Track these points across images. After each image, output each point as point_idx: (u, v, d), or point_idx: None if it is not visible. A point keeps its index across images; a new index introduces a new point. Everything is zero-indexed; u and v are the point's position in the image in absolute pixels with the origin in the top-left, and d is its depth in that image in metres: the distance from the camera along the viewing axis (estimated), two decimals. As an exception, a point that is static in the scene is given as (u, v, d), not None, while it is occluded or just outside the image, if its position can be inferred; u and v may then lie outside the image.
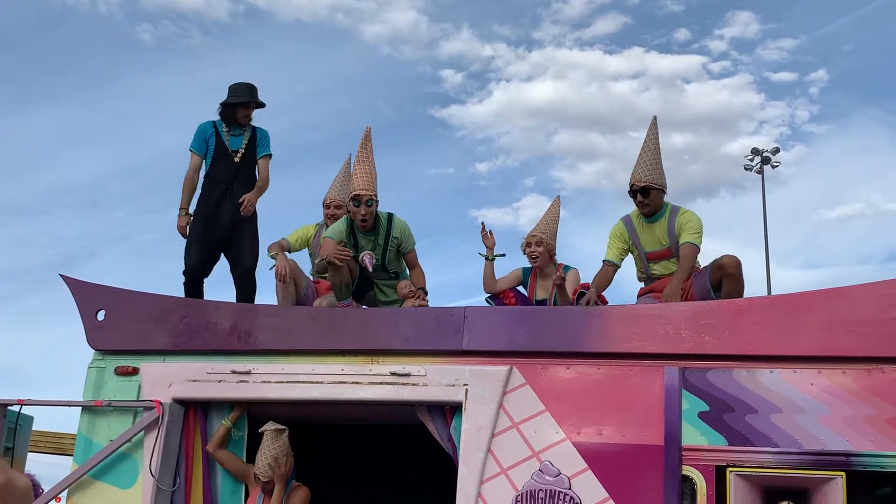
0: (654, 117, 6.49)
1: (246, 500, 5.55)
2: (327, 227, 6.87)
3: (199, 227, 6.81)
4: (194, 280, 6.77)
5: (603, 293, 6.29)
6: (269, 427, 5.50)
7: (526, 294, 6.68)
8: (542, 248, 6.58)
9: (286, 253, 6.81)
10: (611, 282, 6.32)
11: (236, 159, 6.92)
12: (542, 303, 6.46)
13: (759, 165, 35.46)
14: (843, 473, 4.55)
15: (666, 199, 6.36)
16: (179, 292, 6.65)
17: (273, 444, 5.44)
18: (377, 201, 6.40)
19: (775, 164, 35.75)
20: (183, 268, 6.77)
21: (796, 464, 4.67)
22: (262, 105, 7.01)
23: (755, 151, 35.86)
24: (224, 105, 6.91)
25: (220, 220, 6.83)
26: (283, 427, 5.52)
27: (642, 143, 6.46)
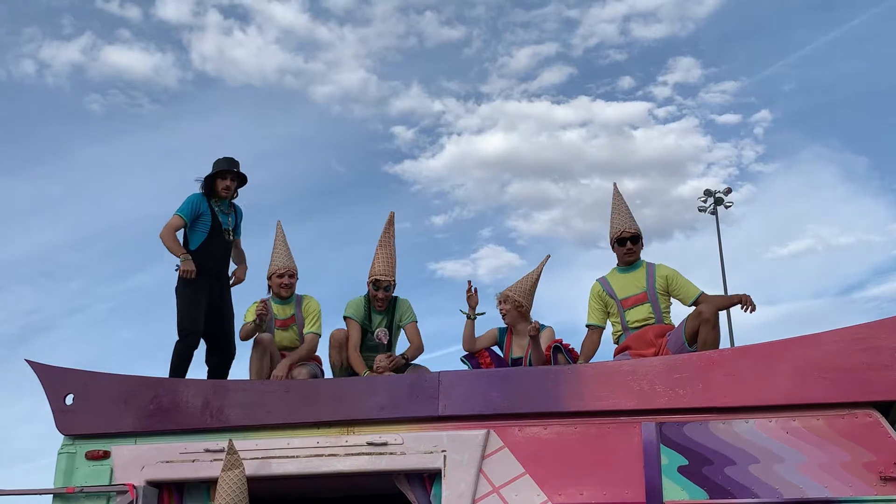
0: (615, 183, 6.76)
1: None
2: (279, 297, 6.82)
3: (201, 295, 6.71)
4: (193, 346, 6.65)
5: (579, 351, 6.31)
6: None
7: (501, 354, 6.69)
8: (508, 306, 6.62)
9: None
10: (598, 345, 6.35)
11: (228, 238, 6.92)
12: (518, 361, 6.47)
13: (712, 206, 35.97)
14: (824, 520, 4.57)
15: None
16: (140, 363, 6.60)
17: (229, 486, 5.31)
18: (395, 285, 6.70)
19: (728, 203, 36.30)
20: (182, 331, 6.61)
21: (778, 514, 4.69)
22: (243, 179, 6.95)
23: (708, 193, 36.37)
24: (206, 178, 6.84)
25: (213, 296, 6.78)
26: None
27: (612, 202, 6.62)
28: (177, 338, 6.60)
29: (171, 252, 6.67)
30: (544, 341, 6.33)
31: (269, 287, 6.90)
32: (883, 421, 4.79)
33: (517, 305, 6.62)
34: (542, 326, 6.47)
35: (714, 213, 35.70)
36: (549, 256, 6.90)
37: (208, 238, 6.77)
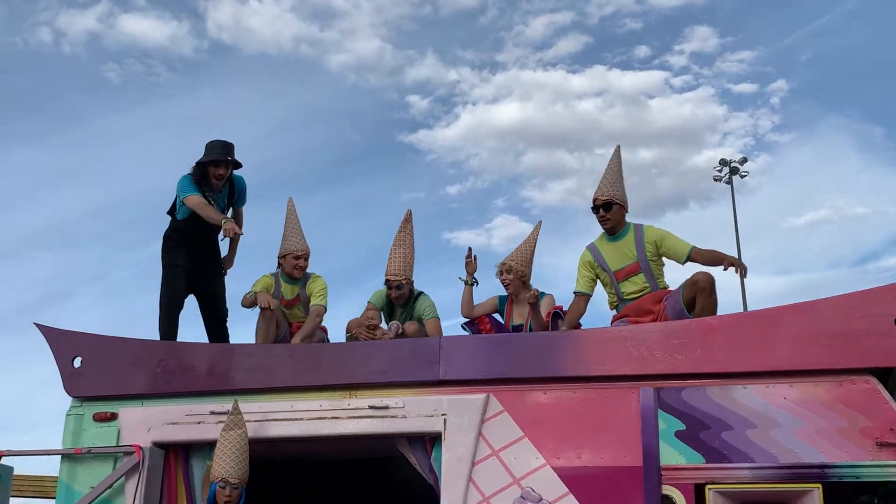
0: (618, 146, 6.55)
1: None
2: (291, 277, 6.82)
3: (179, 261, 6.79)
4: (174, 311, 6.74)
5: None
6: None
7: (502, 321, 6.72)
8: (512, 276, 6.61)
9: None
10: (584, 312, 6.29)
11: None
12: (519, 328, 6.50)
13: (727, 176, 35.81)
14: (819, 486, 4.61)
15: (629, 218, 6.36)
16: (155, 328, 6.65)
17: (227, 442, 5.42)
18: (408, 283, 6.67)
19: (743, 173, 36.12)
20: (161, 301, 6.73)
21: (773, 478, 4.73)
22: (237, 165, 6.90)
23: (723, 162, 36.22)
24: (197, 165, 6.77)
25: (197, 273, 6.87)
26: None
27: (605, 168, 6.49)
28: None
29: (212, 220, 6.65)
30: (544, 308, 6.36)
31: (280, 265, 6.85)
32: (880, 387, 4.80)
33: (520, 275, 6.63)
34: (542, 294, 6.49)
35: (729, 182, 35.55)
36: (541, 223, 6.90)
37: (193, 216, 6.77)
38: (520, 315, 6.57)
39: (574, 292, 6.34)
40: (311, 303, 6.77)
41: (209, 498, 5.42)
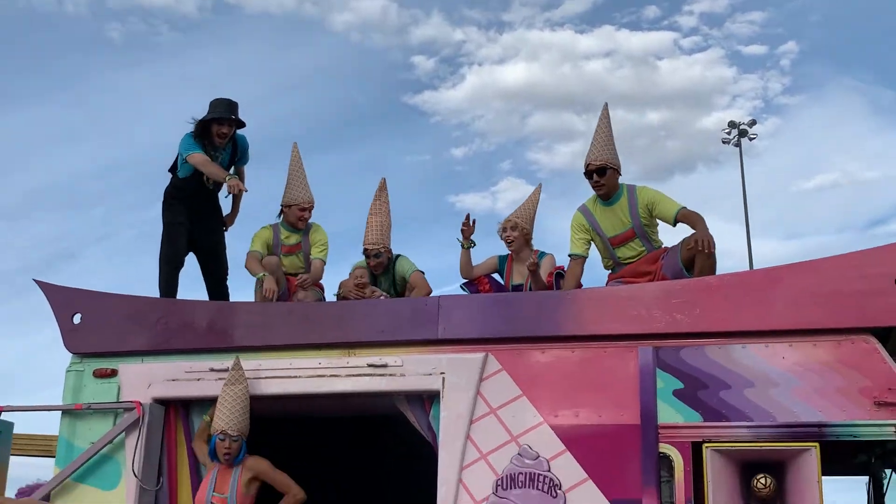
0: (605, 104, 6.43)
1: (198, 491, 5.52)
2: (294, 227, 6.81)
3: (181, 218, 6.79)
4: (174, 270, 6.76)
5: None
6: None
7: (501, 281, 6.71)
8: (517, 233, 6.58)
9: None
10: (581, 275, 6.25)
11: (210, 186, 6.91)
12: (518, 288, 6.48)
13: (736, 138, 35.66)
14: (817, 444, 4.61)
15: (622, 180, 6.27)
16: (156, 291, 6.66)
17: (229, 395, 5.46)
18: (386, 251, 6.65)
19: (752, 136, 35.96)
20: (161, 258, 6.75)
21: (771, 437, 4.74)
22: (241, 124, 6.86)
23: (732, 124, 36.04)
24: (200, 122, 6.72)
25: (198, 230, 6.87)
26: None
27: (595, 128, 6.35)
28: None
29: (216, 177, 6.67)
30: (545, 269, 6.34)
31: (283, 213, 6.85)
32: (879, 347, 4.80)
33: (525, 233, 6.61)
34: (542, 254, 6.47)
35: (738, 145, 35.41)
36: (541, 185, 6.88)
37: (195, 174, 6.76)
38: (520, 274, 6.55)
39: (569, 255, 6.29)
40: (312, 255, 6.80)
41: (210, 450, 5.47)
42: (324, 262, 6.82)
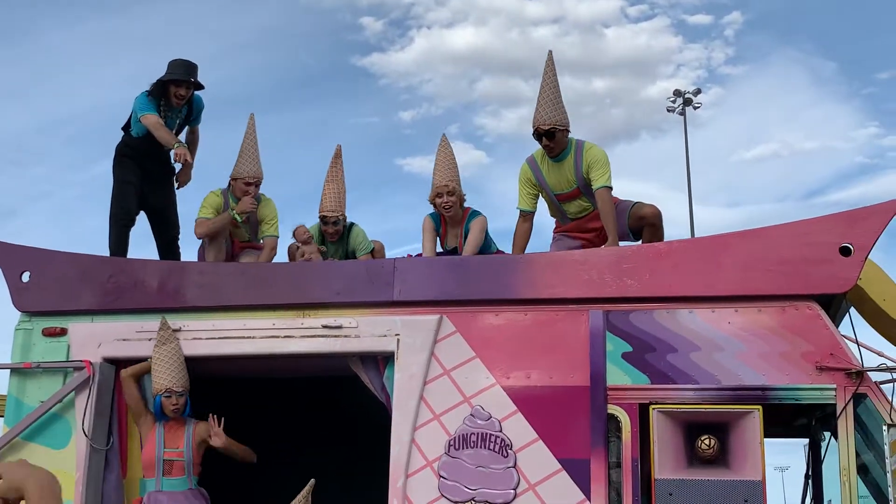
0: (550, 52, 6.27)
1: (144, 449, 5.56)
2: (236, 199, 6.62)
3: (131, 177, 6.72)
4: (125, 228, 6.70)
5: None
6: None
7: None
8: (454, 198, 6.35)
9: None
10: (530, 232, 6.27)
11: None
12: (453, 252, 6.40)
13: (680, 107, 36.02)
14: (759, 407, 4.75)
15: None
16: (106, 247, 6.58)
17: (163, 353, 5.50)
18: (343, 218, 6.55)
19: (697, 105, 36.34)
20: (112, 216, 6.68)
21: (715, 399, 4.88)
22: (200, 87, 6.79)
23: (677, 93, 36.38)
24: (158, 82, 6.65)
25: (150, 190, 6.80)
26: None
27: (541, 82, 6.24)
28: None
29: (165, 142, 6.59)
30: (475, 234, 6.25)
31: (231, 186, 6.66)
32: (822, 313, 4.95)
33: (460, 196, 6.41)
34: (474, 213, 6.39)
35: (682, 113, 35.79)
36: (445, 136, 6.55)
37: (148, 133, 6.66)
38: (454, 237, 6.45)
39: (518, 209, 6.29)
40: (263, 233, 6.66)
41: (156, 411, 5.49)
42: (276, 238, 6.68)
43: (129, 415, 5.71)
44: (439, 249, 6.50)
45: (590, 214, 6.16)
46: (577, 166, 6.08)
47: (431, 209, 6.47)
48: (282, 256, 6.66)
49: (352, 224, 6.69)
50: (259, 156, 6.71)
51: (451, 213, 6.38)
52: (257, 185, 6.63)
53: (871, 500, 4.99)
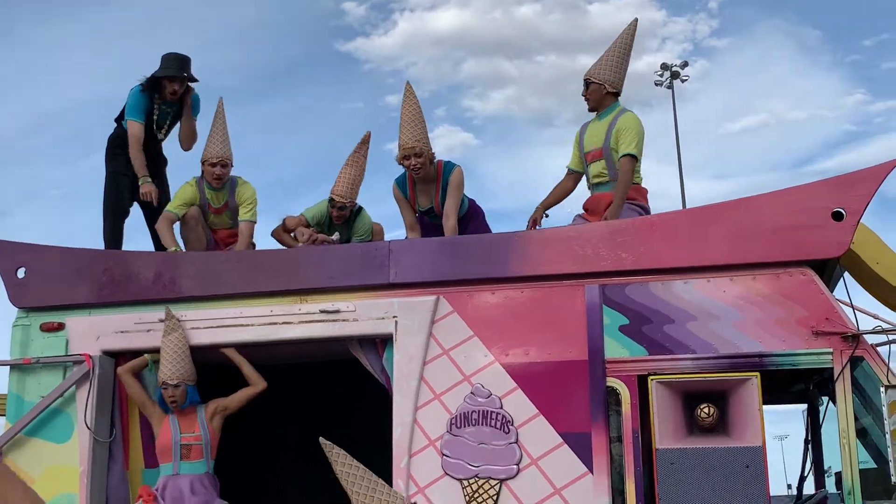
0: (636, 19, 6.36)
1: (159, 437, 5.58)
2: (211, 186, 6.52)
3: (123, 170, 6.71)
4: (118, 221, 6.70)
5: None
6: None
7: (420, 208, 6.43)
8: (422, 159, 6.12)
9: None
10: (570, 190, 6.25)
11: (160, 136, 6.82)
12: (429, 212, 6.31)
13: (668, 80, 36.04)
14: (757, 374, 4.79)
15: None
16: (96, 245, 6.58)
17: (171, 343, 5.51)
18: (351, 205, 6.45)
19: (684, 77, 36.38)
20: (105, 209, 6.69)
21: (713, 368, 4.91)
22: (193, 80, 6.77)
23: (664, 66, 36.38)
24: (152, 78, 6.64)
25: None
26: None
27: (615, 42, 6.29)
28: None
29: (135, 167, 6.59)
30: (455, 186, 6.15)
31: (202, 171, 6.56)
32: (816, 279, 4.98)
33: (430, 157, 6.20)
34: (449, 164, 6.25)
35: (670, 87, 35.79)
36: (409, 83, 6.32)
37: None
38: (426, 198, 6.32)
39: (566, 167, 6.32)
40: (241, 217, 6.53)
41: (159, 401, 5.55)
42: (253, 223, 6.56)
43: (131, 406, 5.74)
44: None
45: (604, 192, 6.04)
46: (609, 127, 6.03)
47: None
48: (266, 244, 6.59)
49: (360, 209, 6.62)
50: (228, 139, 6.56)
51: (421, 175, 6.19)
52: (223, 165, 6.47)
53: (872, 463, 5.04)
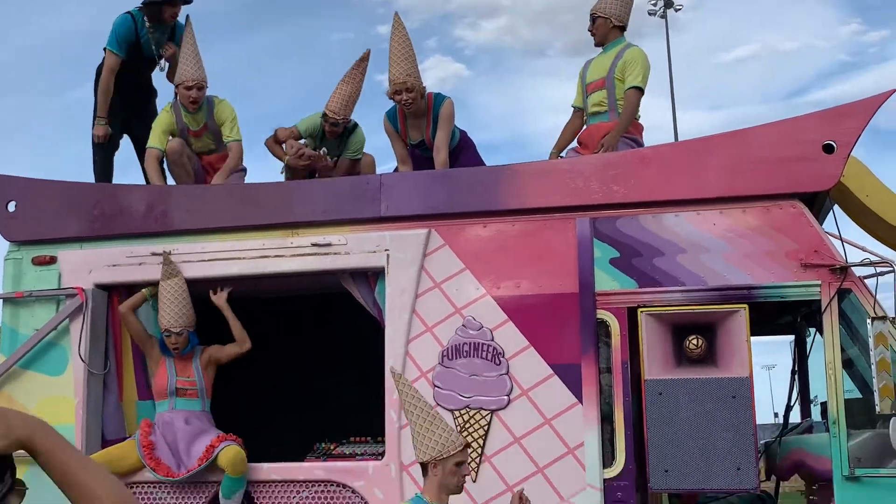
0: None
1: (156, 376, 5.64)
2: (187, 110, 6.35)
3: (117, 97, 6.67)
4: (109, 152, 6.69)
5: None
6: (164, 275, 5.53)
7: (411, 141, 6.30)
8: (413, 94, 5.99)
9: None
10: (580, 129, 6.16)
11: (160, 66, 6.74)
12: (420, 145, 6.24)
13: (661, 10, 35.63)
14: (745, 306, 4.84)
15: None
16: (87, 177, 6.54)
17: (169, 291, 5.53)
18: (345, 122, 6.35)
19: (678, 7, 35.94)
20: (94, 137, 6.65)
21: (702, 300, 4.96)
22: (188, 1, 6.68)
23: (658, -6, 35.90)
24: (152, 3, 6.53)
25: (134, 111, 6.77)
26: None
27: None
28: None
29: (99, 101, 6.52)
30: (446, 118, 6.06)
31: (176, 95, 6.41)
32: (806, 211, 5.00)
33: (421, 91, 6.08)
34: (440, 97, 6.15)
35: (664, 16, 35.39)
36: (397, 13, 6.19)
37: (130, 52, 6.56)
38: (417, 132, 6.21)
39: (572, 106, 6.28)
40: (226, 137, 6.38)
41: (160, 346, 5.59)
42: (240, 141, 6.40)
43: (124, 339, 5.77)
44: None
45: (601, 122, 5.98)
46: (615, 59, 5.99)
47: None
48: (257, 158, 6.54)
49: (355, 125, 6.52)
50: (201, 59, 6.38)
51: (412, 109, 6.08)
52: (198, 87, 6.31)
53: (857, 393, 5.12)
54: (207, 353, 5.65)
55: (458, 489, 3.94)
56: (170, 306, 5.50)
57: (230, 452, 5.26)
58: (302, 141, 6.39)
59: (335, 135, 6.42)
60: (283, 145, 6.39)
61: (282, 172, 6.38)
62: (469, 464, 4.12)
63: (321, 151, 6.30)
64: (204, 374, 5.61)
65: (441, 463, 3.86)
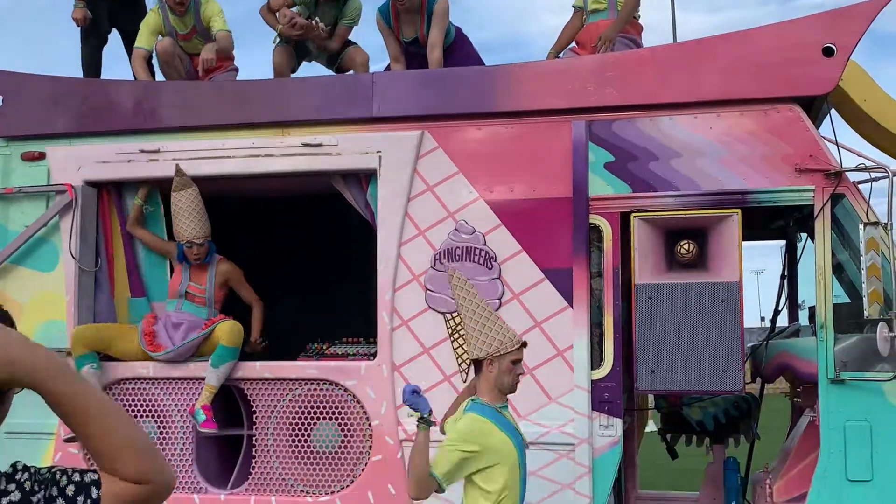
0: None
1: (172, 277, 5.66)
2: (174, 12, 6.21)
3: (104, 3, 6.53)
4: (96, 47, 6.56)
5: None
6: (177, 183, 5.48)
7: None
8: None
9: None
10: (580, 29, 5.96)
11: None
12: (414, 42, 6.08)
13: None
14: (738, 210, 4.83)
15: None
16: (78, 73, 6.43)
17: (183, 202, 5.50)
18: None
19: None
20: (82, 30, 6.53)
21: (695, 205, 4.94)
22: None
23: None
24: None
25: (122, 6, 6.61)
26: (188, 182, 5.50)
27: None
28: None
29: None
30: (440, 16, 5.90)
31: None
32: (803, 115, 4.94)
33: None
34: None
35: (665, -87, 34.51)
36: None
37: None
38: (411, 28, 6.04)
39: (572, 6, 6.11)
40: (214, 29, 6.22)
41: (179, 255, 5.57)
42: (229, 32, 6.25)
43: (115, 237, 5.76)
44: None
45: (599, 20, 5.82)
46: None
47: None
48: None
49: None
50: None
51: (405, 5, 5.91)
52: None
53: (846, 298, 5.15)
54: (226, 273, 5.65)
55: (513, 388, 3.97)
56: (188, 218, 5.46)
57: (227, 324, 5.41)
58: (295, 8, 6.18)
59: (331, 0, 6.22)
60: (277, 14, 6.20)
61: (274, 42, 6.19)
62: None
63: (314, 21, 6.09)
64: (216, 287, 5.61)
65: (497, 360, 3.89)
